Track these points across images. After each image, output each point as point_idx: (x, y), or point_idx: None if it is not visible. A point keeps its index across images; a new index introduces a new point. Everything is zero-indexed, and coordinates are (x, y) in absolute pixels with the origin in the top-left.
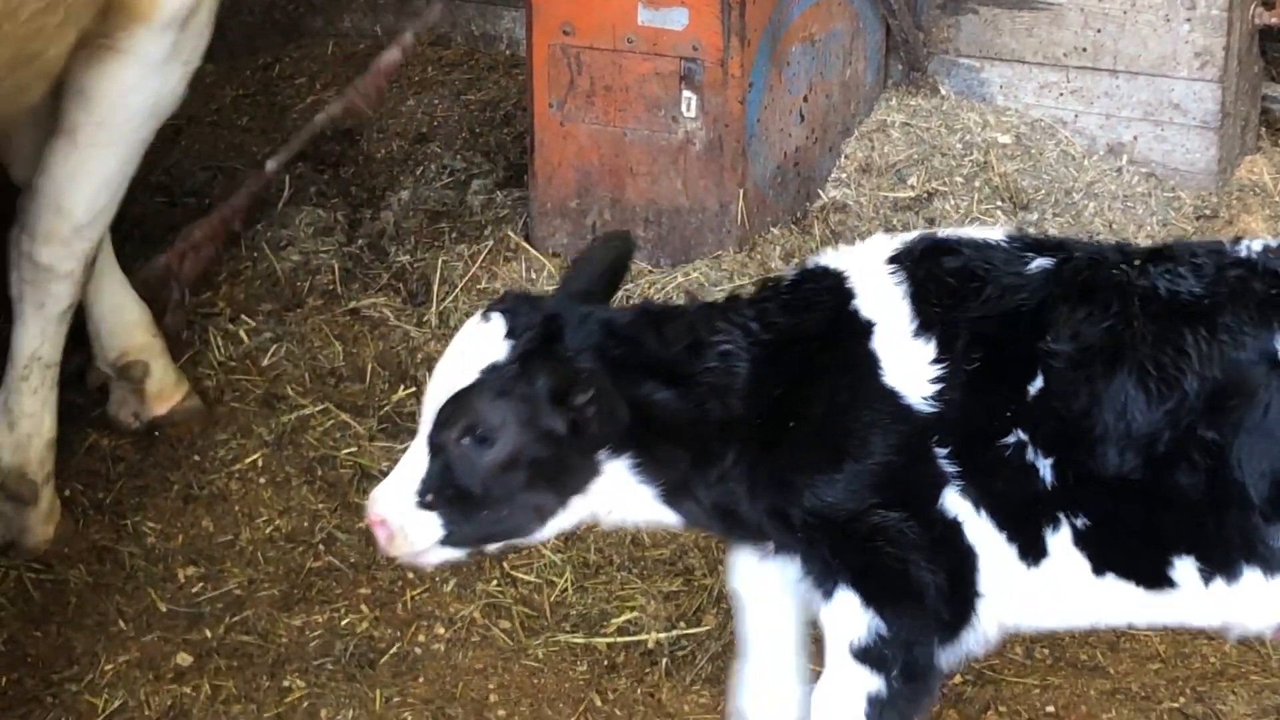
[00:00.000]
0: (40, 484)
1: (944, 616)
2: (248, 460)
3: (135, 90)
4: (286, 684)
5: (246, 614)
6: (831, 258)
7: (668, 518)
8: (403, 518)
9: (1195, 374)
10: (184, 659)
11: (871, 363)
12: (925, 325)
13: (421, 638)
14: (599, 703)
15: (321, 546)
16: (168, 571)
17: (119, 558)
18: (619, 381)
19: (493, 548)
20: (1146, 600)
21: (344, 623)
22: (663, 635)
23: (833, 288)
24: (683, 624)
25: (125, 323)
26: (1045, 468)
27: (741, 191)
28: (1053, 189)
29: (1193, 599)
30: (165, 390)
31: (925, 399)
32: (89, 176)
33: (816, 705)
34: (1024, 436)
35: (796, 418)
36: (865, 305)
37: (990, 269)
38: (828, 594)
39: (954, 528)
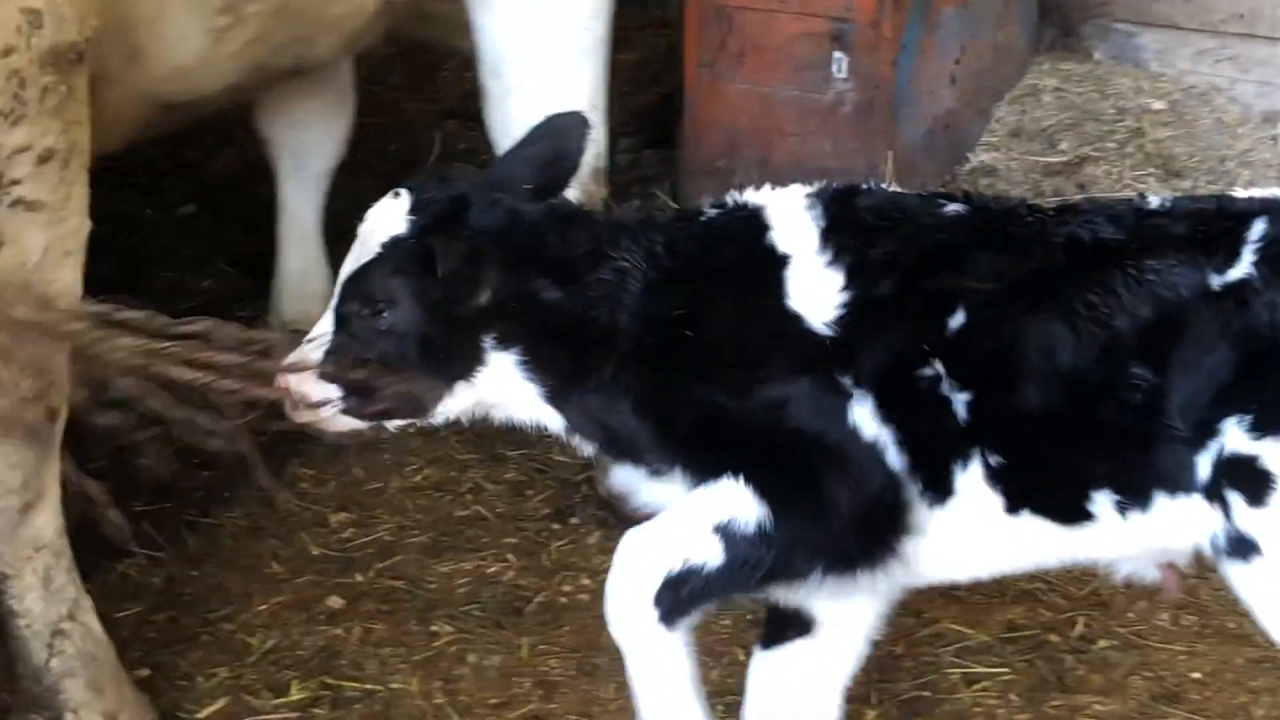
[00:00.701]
0: None
1: (847, 546)
2: None
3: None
4: (435, 629)
5: (396, 560)
6: (751, 195)
7: (552, 421)
8: (305, 386)
9: (1126, 313)
10: (335, 602)
11: (779, 289)
12: (837, 256)
13: (566, 588)
14: (741, 656)
15: (469, 496)
16: (319, 517)
17: (273, 503)
18: (511, 271)
19: (391, 424)
20: (1059, 536)
21: (490, 571)
22: None
23: (749, 220)
24: None
25: (308, 291)
26: (959, 402)
27: (890, 154)
28: (1206, 156)
29: (1107, 532)
30: None
31: (827, 324)
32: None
33: (630, 542)
34: (940, 369)
35: (696, 336)
36: (780, 239)
37: (906, 210)
38: (708, 481)
39: (874, 449)
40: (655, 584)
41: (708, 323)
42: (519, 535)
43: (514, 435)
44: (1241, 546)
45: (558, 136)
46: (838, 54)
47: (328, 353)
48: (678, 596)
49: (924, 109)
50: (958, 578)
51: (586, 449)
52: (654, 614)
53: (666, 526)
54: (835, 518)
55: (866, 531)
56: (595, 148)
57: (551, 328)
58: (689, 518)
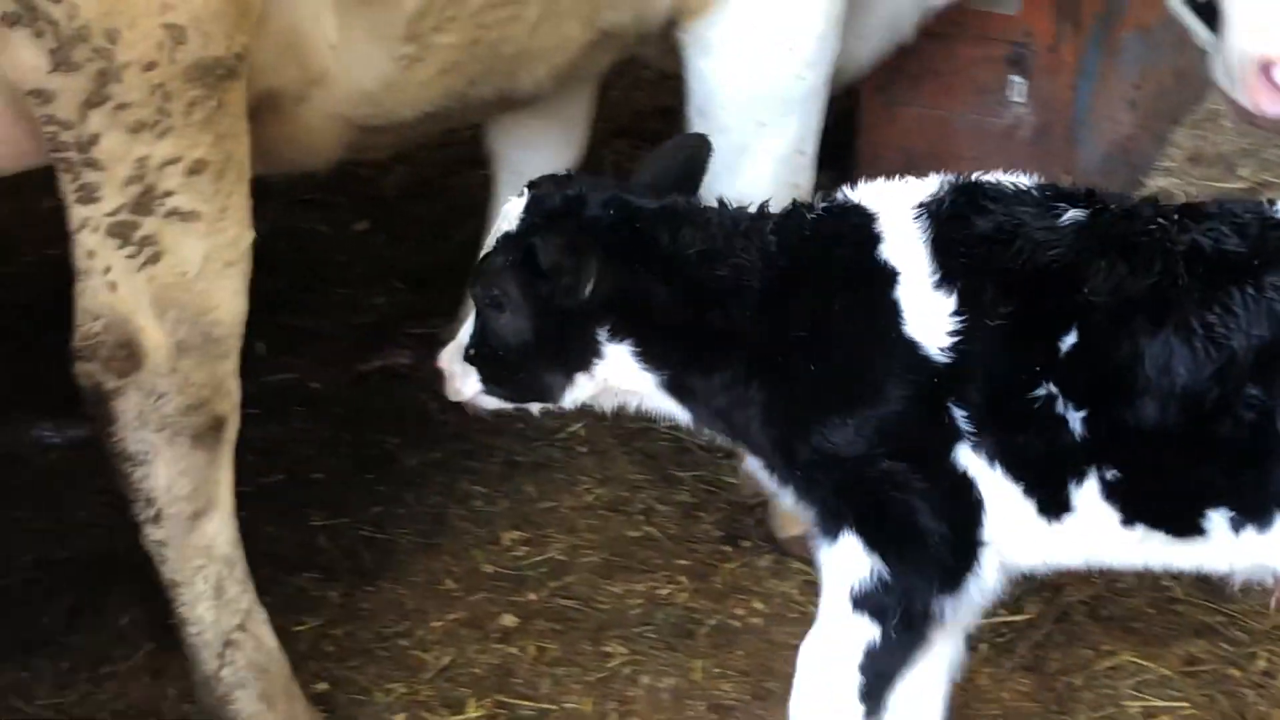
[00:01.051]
0: None
1: (948, 564)
2: (570, 430)
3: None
4: (608, 649)
5: (568, 579)
6: (862, 193)
7: (676, 411)
8: (453, 367)
9: (1243, 333)
10: (509, 620)
11: (893, 311)
12: (946, 277)
13: (739, 611)
14: None
15: (640, 517)
16: (492, 535)
17: (446, 520)
18: (619, 266)
19: (531, 407)
20: (1174, 546)
21: (662, 593)
22: (983, 621)
23: (860, 226)
24: (1003, 611)
25: None
26: (1076, 420)
27: (1069, 179)
28: None
29: (1220, 546)
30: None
31: (942, 350)
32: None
33: (807, 653)
34: (1054, 389)
35: (811, 355)
36: (892, 253)
37: (1021, 223)
38: (831, 536)
39: (964, 480)
40: (855, 684)
41: (826, 348)
42: (691, 557)
43: (685, 457)
44: None
45: (684, 155)
46: (1015, 78)
47: (471, 337)
48: (872, 679)
49: (1102, 133)
50: (1069, 565)
51: (719, 439)
52: (863, 710)
53: (829, 624)
54: (933, 550)
55: (961, 554)
56: (797, 192)
57: (665, 322)
58: (835, 606)
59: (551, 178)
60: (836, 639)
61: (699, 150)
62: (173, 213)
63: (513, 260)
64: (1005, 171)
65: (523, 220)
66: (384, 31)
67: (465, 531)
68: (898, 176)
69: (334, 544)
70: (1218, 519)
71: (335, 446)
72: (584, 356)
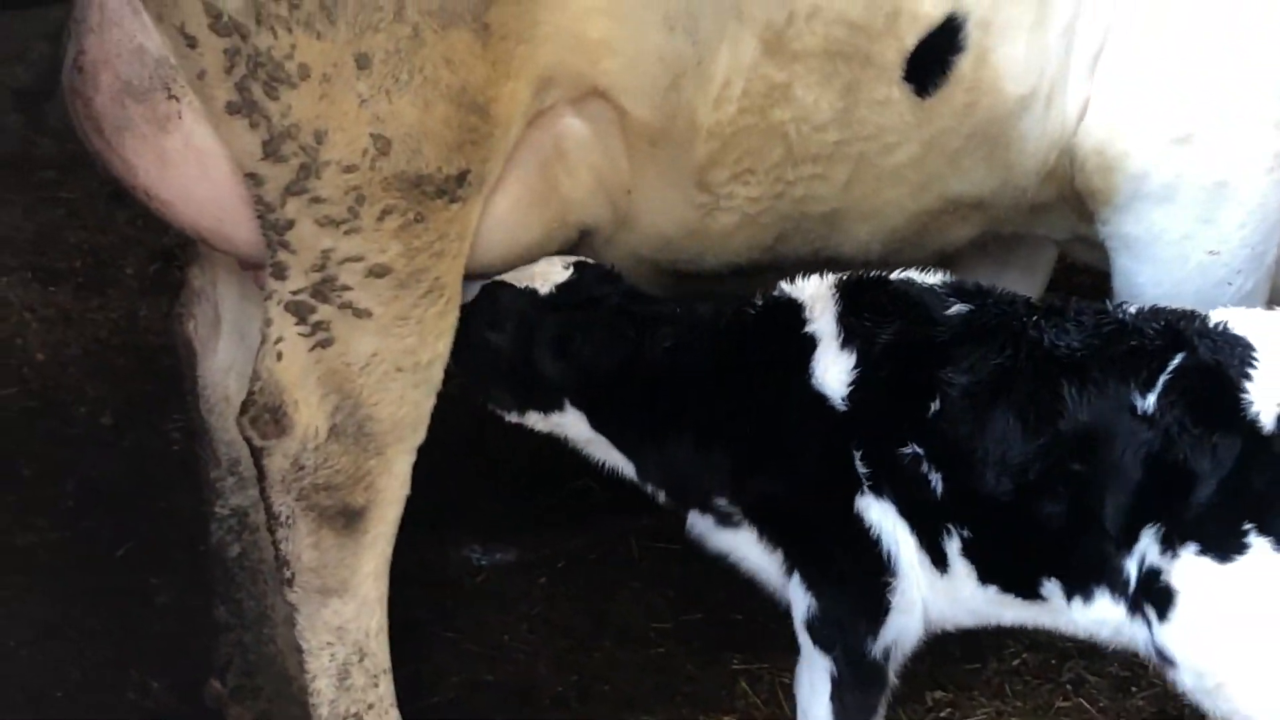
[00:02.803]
0: None
1: (866, 604)
2: None
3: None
4: None
5: None
6: (791, 289)
7: (622, 464)
8: None
9: (1068, 417)
10: None
11: (808, 371)
12: (849, 339)
13: None
14: None
15: (1069, 686)
16: (916, 692)
17: None
18: (606, 358)
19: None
20: (1025, 608)
21: None
22: None
23: (791, 314)
24: None
25: None
26: (937, 481)
27: None
28: None
29: (1060, 612)
30: None
31: (843, 400)
32: None
33: (796, 688)
34: (919, 450)
35: (749, 419)
36: (812, 326)
37: (916, 305)
38: (788, 572)
39: (868, 528)
40: (828, 710)
41: (759, 412)
42: None
43: None
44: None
45: None
46: None
47: (462, 305)
48: (845, 710)
49: None
50: (967, 625)
51: (659, 496)
52: None
53: (804, 654)
54: (854, 585)
55: (872, 594)
56: None
57: (626, 405)
58: (802, 639)
59: (599, 271)
60: (807, 674)
61: None
62: (347, 306)
63: (524, 314)
64: None
65: (553, 291)
66: (675, 179)
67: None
68: None
69: (754, 689)
70: (1051, 587)
71: (755, 589)
72: (544, 404)
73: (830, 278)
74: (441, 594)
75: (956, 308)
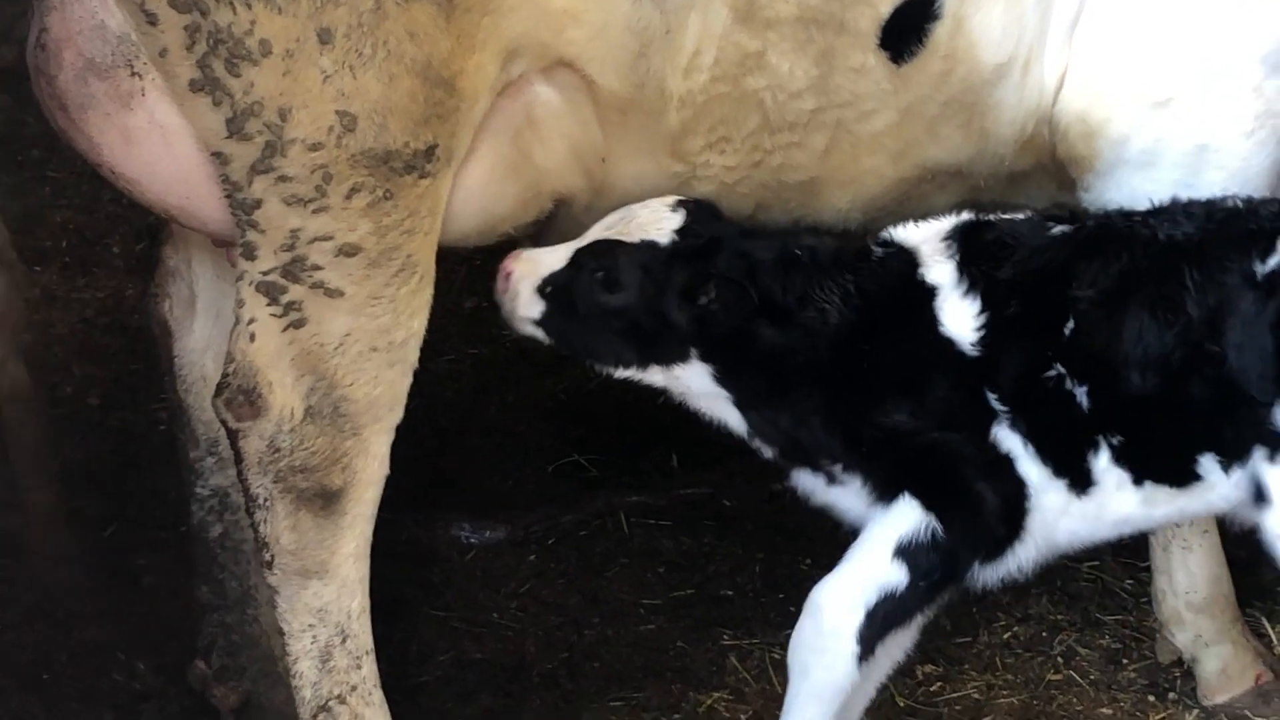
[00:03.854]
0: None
1: (998, 532)
2: None
3: None
4: None
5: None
6: (901, 234)
7: (734, 420)
8: (521, 285)
9: (1196, 301)
10: None
11: (934, 318)
12: (972, 286)
13: None
14: None
15: (1060, 659)
16: (907, 667)
17: None
18: (738, 308)
19: (567, 351)
20: (1178, 497)
21: None
22: None
23: (907, 262)
24: None
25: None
26: (1081, 394)
27: None
28: None
29: (1215, 488)
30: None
31: (973, 344)
32: None
33: (823, 588)
34: (1062, 369)
35: (875, 363)
36: (929, 273)
37: (1019, 237)
38: (888, 501)
39: (1006, 458)
40: (859, 620)
41: (882, 354)
42: (1113, 706)
43: (1109, 600)
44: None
45: None
46: None
47: (554, 274)
48: (874, 626)
49: None
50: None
51: (766, 451)
52: (856, 650)
53: (857, 564)
54: (987, 513)
55: (1009, 520)
56: None
57: (755, 356)
58: (874, 551)
59: (706, 209)
60: (858, 578)
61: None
62: (318, 286)
63: (647, 266)
64: None
65: (672, 239)
66: (648, 148)
67: None
68: None
69: (744, 665)
70: (1209, 464)
71: (747, 564)
72: (668, 358)
73: (933, 225)
74: (430, 572)
75: (1057, 229)
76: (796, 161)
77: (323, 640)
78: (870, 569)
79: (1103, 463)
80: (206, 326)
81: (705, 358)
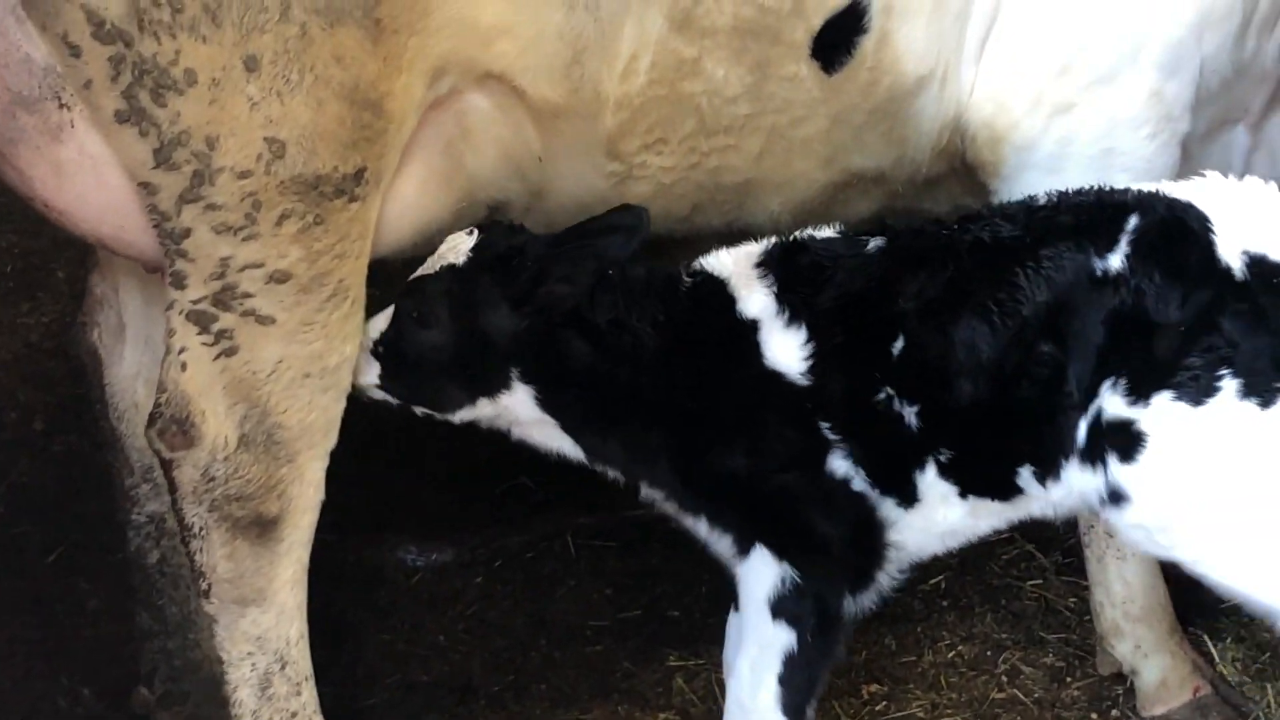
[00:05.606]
0: None
1: (858, 563)
2: (931, 582)
3: None
4: None
5: None
6: (711, 263)
7: (569, 447)
8: (360, 355)
9: (1029, 301)
10: None
11: (756, 352)
12: (794, 315)
13: None
14: None
15: (1005, 678)
16: (852, 686)
17: None
18: (544, 321)
19: (418, 410)
20: (1003, 509)
21: None
22: None
23: (719, 293)
24: None
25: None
26: (911, 414)
27: None
28: None
29: (1036, 499)
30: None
31: (802, 375)
32: None
33: (735, 673)
34: (891, 391)
35: (701, 400)
36: (746, 305)
37: (840, 257)
38: (744, 552)
39: (844, 486)
40: (775, 695)
41: (707, 391)
42: None
43: (1052, 618)
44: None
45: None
46: None
47: (383, 334)
48: (794, 693)
49: None
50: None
51: (612, 473)
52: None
53: (751, 635)
54: (839, 550)
55: (864, 548)
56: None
57: (572, 377)
58: (755, 617)
59: (503, 226)
60: (758, 652)
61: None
62: (249, 313)
63: (450, 291)
64: None
65: (469, 259)
66: (585, 149)
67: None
68: None
69: (690, 686)
70: (1027, 476)
71: (694, 585)
72: (492, 386)
73: (743, 252)
74: (376, 596)
75: (873, 244)
76: (732, 164)
77: (262, 668)
78: (761, 638)
79: (929, 478)
80: (136, 353)
81: (525, 378)
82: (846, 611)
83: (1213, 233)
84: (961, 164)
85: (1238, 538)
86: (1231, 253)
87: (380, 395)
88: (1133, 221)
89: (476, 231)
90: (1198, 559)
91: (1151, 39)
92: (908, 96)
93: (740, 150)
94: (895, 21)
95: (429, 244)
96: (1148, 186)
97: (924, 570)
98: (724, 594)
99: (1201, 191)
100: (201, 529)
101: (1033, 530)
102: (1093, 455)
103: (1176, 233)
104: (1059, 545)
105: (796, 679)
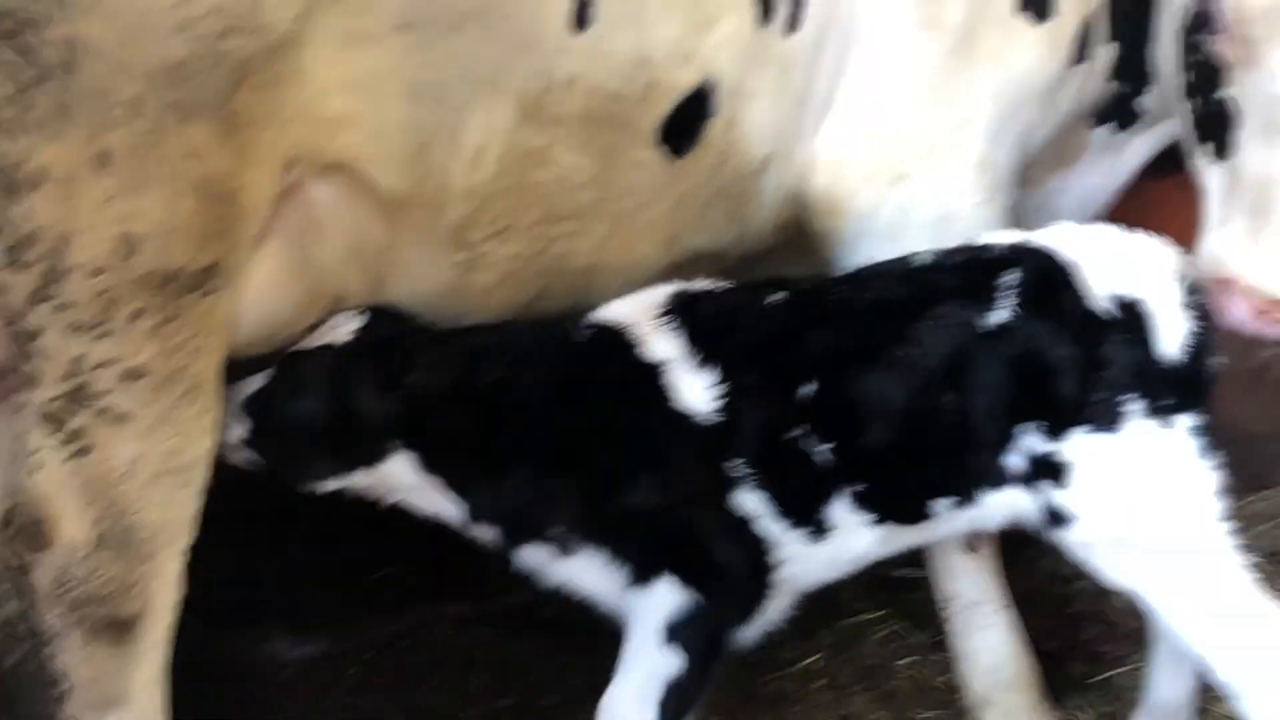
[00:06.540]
0: None
1: (748, 594)
2: (804, 663)
3: None
4: None
5: None
6: (605, 314)
7: (448, 508)
8: (231, 414)
9: (932, 354)
10: None
11: (663, 394)
12: (707, 356)
13: None
14: None
15: None
16: None
17: None
18: (426, 391)
19: (284, 478)
20: (916, 533)
21: None
22: None
23: (619, 339)
24: None
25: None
26: (823, 450)
27: None
28: None
29: (947, 523)
30: None
31: (712, 414)
32: None
33: (610, 699)
34: (804, 428)
35: (607, 444)
36: (651, 349)
37: (747, 305)
38: (645, 581)
39: (748, 521)
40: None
41: (612, 435)
42: None
43: (926, 696)
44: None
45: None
46: None
47: (253, 395)
48: (670, 714)
49: None
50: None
51: (487, 535)
52: None
53: (635, 662)
54: (737, 580)
55: (758, 581)
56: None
57: (460, 440)
58: (646, 643)
59: (388, 311)
60: (639, 677)
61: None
62: (104, 412)
63: (331, 369)
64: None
65: (353, 338)
66: (431, 238)
67: None
68: None
69: None
70: (941, 505)
71: (569, 670)
72: (370, 456)
73: (640, 302)
74: (249, 689)
75: (775, 296)
76: (578, 248)
77: None
78: (648, 663)
79: (841, 511)
80: None
81: (408, 447)
82: (733, 642)
83: (1081, 278)
84: (797, 235)
85: (1164, 554)
86: (1101, 294)
87: (241, 455)
88: (1012, 275)
89: (363, 314)
90: (1137, 582)
91: (977, 109)
92: (753, 175)
93: (586, 235)
94: (741, 103)
95: (276, 339)
96: (1010, 237)
97: (798, 651)
98: (600, 679)
99: (1059, 239)
100: (59, 633)
101: (904, 609)
102: (1028, 483)
103: (1053, 282)
104: (930, 624)
105: (676, 707)
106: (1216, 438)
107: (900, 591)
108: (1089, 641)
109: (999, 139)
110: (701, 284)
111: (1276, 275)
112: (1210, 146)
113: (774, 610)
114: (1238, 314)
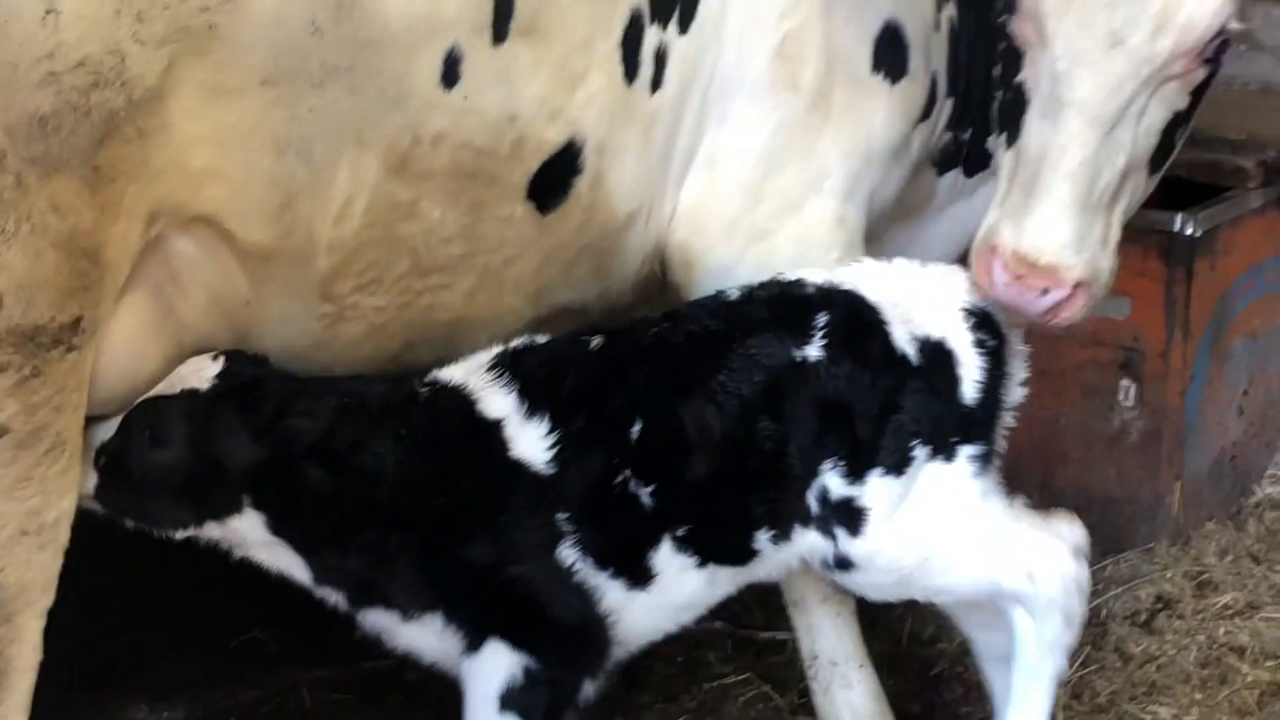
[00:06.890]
0: None
1: (583, 649)
2: None
3: None
4: None
5: None
6: (444, 373)
7: (296, 568)
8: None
9: (747, 382)
10: None
11: (501, 447)
12: (535, 406)
13: None
14: None
15: None
16: None
17: None
18: (280, 453)
19: (129, 523)
20: (738, 574)
21: None
22: None
23: (456, 398)
24: None
25: None
26: (646, 494)
27: (1178, 484)
28: None
29: (768, 560)
30: None
31: (545, 464)
32: None
33: None
34: (629, 473)
35: (447, 501)
36: (487, 405)
37: (569, 355)
38: (475, 646)
39: (576, 574)
40: None
41: (451, 492)
42: None
43: None
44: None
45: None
46: (1125, 382)
47: (105, 444)
48: None
49: (1211, 439)
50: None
51: (333, 598)
52: None
53: None
54: (572, 638)
55: (593, 638)
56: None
57: (310, 501)
58: (480, 712)
59: (246, 355)
60: None
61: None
62: None
63: (188, 416)
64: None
65: (211, 385)
66: (296, 291)
67: None
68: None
69: None
70: (763, 540)
71: None
72: (222, 509)
73: (470, 362)
74: None
75: (595, 341)
76: (444, 302)
77: None
78: None
79: (664, 555)
80: None
81: (258, 505)
82: (581, 697)
83: (886, 321)
84: (656, 289)
85: (951, 557)
86: (903, 337)
87: (88, 505)
88: (823, 316)
89: (220, 358)
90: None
91: (831, 169)
92: (618, 232)
93: (453, 289)
94: (608, 161)
95: (138, 394)
96: (819, 276)
97: (661, 714)
98: None
99: (867, 277)
100: None
101: (769, 672)
102: (823, 526)
103: (860, 324)
104: (795, 686)
105: None
106: (1074, 502)
107: (765, 654)
108: (951, 703)
109: (853, 196)
110: (522, 340)
111: (1034, 238)
112: (1004, 136)
113: (614, 661)
114: (997, 280)
